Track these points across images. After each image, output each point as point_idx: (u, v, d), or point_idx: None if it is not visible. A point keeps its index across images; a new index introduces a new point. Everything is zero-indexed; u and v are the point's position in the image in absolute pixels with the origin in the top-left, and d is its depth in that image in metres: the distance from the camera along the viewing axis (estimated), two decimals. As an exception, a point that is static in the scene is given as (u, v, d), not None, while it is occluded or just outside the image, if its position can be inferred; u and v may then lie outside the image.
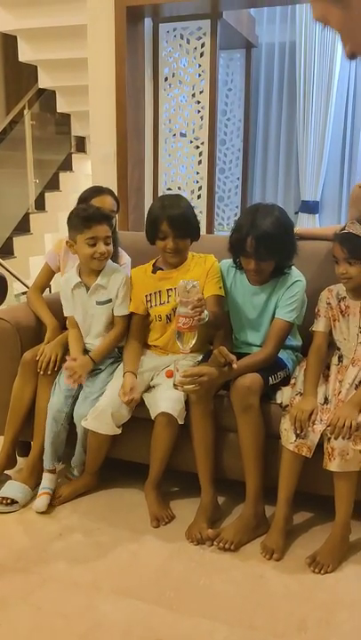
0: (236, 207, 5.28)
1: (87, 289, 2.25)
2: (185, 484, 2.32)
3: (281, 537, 1.96)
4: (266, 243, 2.01)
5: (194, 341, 1.86)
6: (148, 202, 4.15)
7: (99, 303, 2.24)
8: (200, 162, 4.27)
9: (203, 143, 4.24)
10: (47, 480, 2.23)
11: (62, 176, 5.48)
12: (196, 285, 1.85)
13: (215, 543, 1.97)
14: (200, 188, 4.30)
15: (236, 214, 5.27)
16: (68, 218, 2.22)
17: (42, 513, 2.15)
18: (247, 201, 5.26)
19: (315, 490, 2.04)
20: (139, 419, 2.15)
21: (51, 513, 2.17)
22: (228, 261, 2.25)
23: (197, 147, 4.27)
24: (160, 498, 2.18)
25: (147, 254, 2.37)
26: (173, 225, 2.13)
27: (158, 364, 2.23)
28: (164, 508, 2.15)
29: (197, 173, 4.34)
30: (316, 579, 1.83)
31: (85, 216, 2.16)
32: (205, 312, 1.89)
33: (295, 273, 2.17)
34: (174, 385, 1.90)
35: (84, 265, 2.24)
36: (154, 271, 2.26)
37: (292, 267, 2.18)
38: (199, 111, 4.23)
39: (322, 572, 1.86)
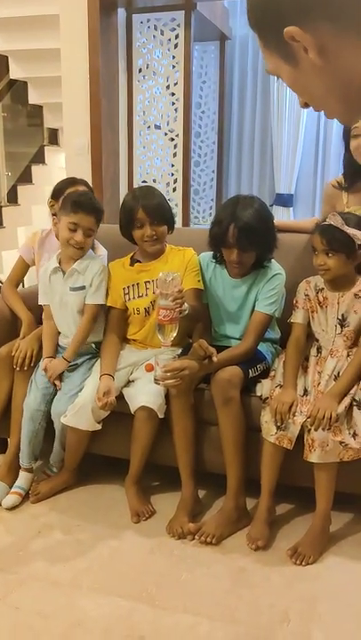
0: (212, 200, 5.27)
1: (64, 274, 2.21)
2: (165, 478, 2.30)
3: (265, 527, 1.97)
4: (248, 233, 2.00)
5: (175, 334, 1.84)
6: (123, 194, 4.11)
7: (72, 289, 2.20)
8: (175, 154, 4.25)
9: (178, 135, 4.21)
10: (23, 479, 2.20)
11: (35, 169, 5.39)
12: (177, 277, 1.82)
13: (197, 537, 1.96)
14: (175, 181, 4.28)
15: (211, 207, 5.26)
16: (64, 197, 2.22)
17: (11, 509, 2.12)
18: (222, 194, 5.25)
19: (295, 482, 2.04)
20: (118, 413, 2.12)
21: (29, 511, 2.14)
22: (208, 254, 2.23)
23: (172, 139, 4.24)
24: (140, 493, 2.16)
25: (122, 247, 2.34)
26: (149, 212, 2.11)
27: (138, 358, 2.20)
28: (144, 503, 2.13)
29: (172, 166, 4.31)
30: (298, 570, 1.83)
31: (76, 201, 2.13)
32: (185, 304, 1.87)
33: (275, 266, 2.16)
34: (155, 380, 1.88)
35: (62, 249, 2.21)
36: (131, 264, 2.24)
37: (272, 260, 2.17)
38: (173, 103, 4.21)
39: (303, 563, 1.86)
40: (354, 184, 2.31)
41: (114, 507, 2.16)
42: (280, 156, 4.99)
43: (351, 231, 1.91)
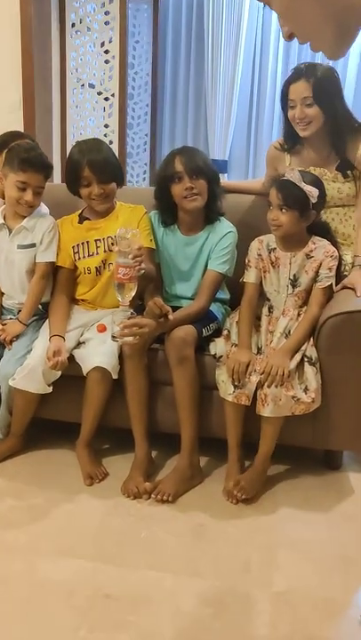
0: (145, 164, 5.17)
1: (10, 232, 2.10)
2: (115, 440, 2.28)
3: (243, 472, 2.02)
4: (195, 158, 2.06)
5: (134, 293, 1.80)
6: (56, 153, 3.97)
7: (20, 247, 2.10)
8: (110, 114, 4.12)
9: (113, 95, 4.09)
10: None
11: None
12: (137, 233, 1.78)
13: (153, 496, 1.96)
14: (110, 142, 4.16)
15: (145, 172, 5.16)
16: (8, 150, 2.07)
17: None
18: (156, 158, 5.17)
19: (250, 437, 2.07)
20: (68, 376, 2.07)
21: (-24, 478, 2.06)
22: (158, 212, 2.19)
23: (107, 98, 4.11)
24: (93, 456, 2.13)
25: (62, 205, 2.27)
26: (96, 169, 2.03)
27: (88, 319, 2.15)
28: (97, 466, 2.11)
29: (107, 126, 4.19)
30: (254, 523, 1.87)
31: (24, 158, 2.00)
32: (143, 263, 1.83)
33: (227, 224, 2.16)
34: (113, 337, 1.84)
35: (9, 206, 2.09)
36: (80, 221, 2.16)
37: (223, 217, 2.16)
38: (108, 61, 4.07)
39: (244, 496, 1.93)
40: (295, 145, 2.32)
41: (65, 471, 2.12)
42: (214, 122, 4.95)
43: (308, 188, 1.93)
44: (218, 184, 2.16)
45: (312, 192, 1.93)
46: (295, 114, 2.16)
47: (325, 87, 2.11)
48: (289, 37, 0.80)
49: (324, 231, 2.12)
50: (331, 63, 4.12)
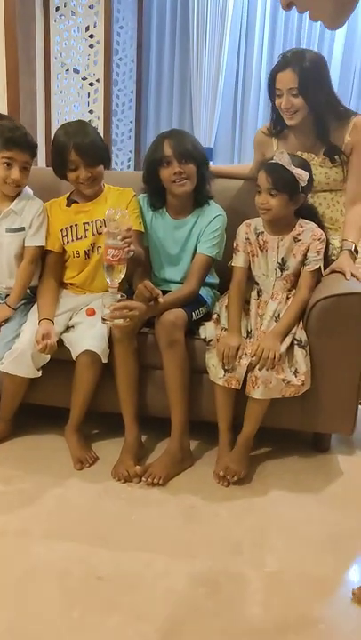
0: (130, 152, 5.14)
1: None
2: (105, 425, 2.28)
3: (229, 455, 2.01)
4: (183, 142, 2.04)
5: (123, 275, 1.78)
6: (41, 139, 3.93)
7: (9, 230, 2.07)
8: (95, 100, 4.09)
9: (98, 80, 4.06)
10: None
11: None
12: (126, 214, 1.76)
13: (143, 479, 1.95)
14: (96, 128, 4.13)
15: (130, 159, 5.13)
16: None
17: None
18: (141, 146, 5.14)
19: (237, 420, 2.07)
20: (57, 361, 2.05)
21: (-36, 464, 2.04)
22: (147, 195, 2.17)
23: (92, 84, 4.07)
24: (82, 440, 2.12)
25: (47, 189, 2.25)
26: (83, 153, 2.01)
27: (77, 303, 2.13)
28: (86, 451, 2.10)
29: (91, 112, 4.15)
30: (245, 505, 1.88)
31: (9, 137, 1.98)
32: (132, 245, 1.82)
33: (216, 207, 2.15)
34: (103, 319, 1.82)
35: None
36: (68, 204, 2.14)
37: (212, 201, 2.15)
38: (93, 46, 4.03)
39: (236, 477, 1.95)
40: (282, 131, 2.32)
41: (54, 456, 2.11)
42: (199, 109, 4.94)
43: (297, 171, 1.92)
44: (207, 167, 2.15)
45: (302, 175, 1.93)
46: (282, 103, 2.15)
47: (312, 77, 2.09)
48: (288, 6, 0.79)
49: (311, 214, 2.12)
50: (317, 45, 4.10)
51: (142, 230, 2.14)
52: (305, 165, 2.00)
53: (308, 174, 1.95)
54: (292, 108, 2.14)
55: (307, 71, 2.08)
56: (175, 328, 1.94)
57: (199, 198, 2.14)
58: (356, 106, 4.65)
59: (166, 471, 1.97)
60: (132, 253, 1.79)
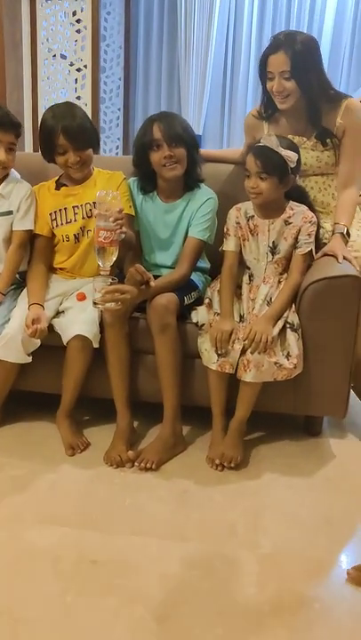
0: (118, 139, 5.10)
1: None
2: (96, 411, 2.26)
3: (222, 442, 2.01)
4: (173, 124, 2.02)
5: (115, 258, 1.76)
6: (28, 126, 3.88)
7: None
8: (83, 86, 4.04)
9: (85, 66, 4.01)
10: None
11: None
12: (117, 195, 1.74)
13: (136, 464, 1.94)
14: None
15: (118, 147, 5.09)
16: None
17: None
18: (129, 133, 5.10)
19: (231, 405, 2.07)
20: (47, 347, 2.03)
21: None
22: (138, 178, 2.15)
23: (79, 69, 4.02)
24: (74, 426, 2.10)
25: (33, 174, 2.21)
26: (71, 136, 1.98)
27: (67, 288, 2.11)
28: (78, 436, 2.08)
29: (79, 99, 4.11)
30: (238, 488, 1.88)
31: None
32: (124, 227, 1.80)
33: (207, 190, 2.13)
34: (94, 303, 1.80)
35: None
36: (57, 188, 2.11)
37: (203, 184, 2.14)
38: (80, 31, 3.98)
39: (233, 463, 1.94)
40: (273, 114, 2.30)
41: (45, 442, 2.09)
42: (188, 96, 4.90)
43: (286, 153, 1.91)
44: (197, 150, 2.13)
45: (290, 156, 1.91)
46: (273, 86, 2.13)
47: (304, 60, 2.07)
48: None
49: (301, 195, 2.11)
50: (307, 27, 4.06)
51: (133, 214, 2.11)
52: (292, 146, 1.99)
53: (296, 155, 1.94)
54: (284, 91, 2.12)
55: (299, 54, 2.06)
56: (167, 312, 1.93)
57: (190, 182, 2.12)
58: (346, 86, 4.64)
59: (159, 456, 1.96)
60: (123, 235, 1.77)
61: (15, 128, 2.01)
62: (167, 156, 2.01)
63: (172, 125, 2.02)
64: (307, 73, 2.09)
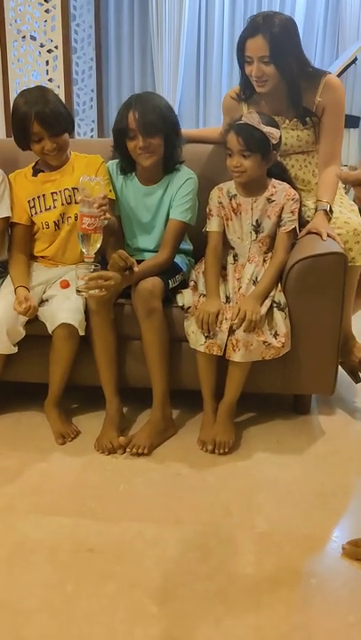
0: (93, 122, 5.02)
1: None
2: (84, 399, 2.25)
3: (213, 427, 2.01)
4: (149, 113, 1.93)
5: (99, 245, 1.74)
6: (0, 110, 3.80)
7: None
8: (55, 67, 3.96)
9: (56, 47, 3.92)
10: None
11: None
12: (100, 181, 1.71)
13: (128, 449, 1.94)
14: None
15: (92, 130, 5.02)
16: None
17: None
18: (104, 115, 5.03)
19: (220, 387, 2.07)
20: (32, 336, 2.01)
21: None
22: (115, 162, 2.12)
23: (50, 50, 3.94)
24: (63, 415, 2.09)
25: (7, 161, 2.17)
26: (46, 123, 1.94)
27: (49, 276, 2.08)
28: (67, 425, 2.07)
29: (51, 81, 4.03)
30: (230, 469, 1.89)
31: None
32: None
33: (186, 170, 2.10)
34: (78, 291, 1.78)
35: None
36: (34, 174, 2.07)
37: (182, 165, 2.11)
38: (49, 10, 3.88)
39: (226, 449, 1.95)
40: (252, 95, 2.27)
41: (35, 432, 2.08)
42: (161, 75, 4.84)
43: (267, 129, 1.89)
44: (177, 134, 2.06)
45: (272, 133, 1.90)
46: (252, 71, 2.08)
47: (283, 43, 2.02)
48: None
49: (281, 171, 2.10)
50: (279, 6, 4.03)
51: (113, 198, 2.08)
52: (273, 123, 1.97)
53: (278, 132, 1.92)
54: (263, 76, 2.07)
55: (278, 37, 2.01)
56: (153, 296, 1.91)
57: (169, 165, 2.08)
58: (321, 60, 4.62)
59: (150, 441, 1.96)
60: (106, 222, 1.74)
61: None
62: (142, 147, 1.97)
63: (147, 114, 1.93)
64: (286, 56, 2.04)
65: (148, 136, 1.95)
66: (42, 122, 1.92)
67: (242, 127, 1.91)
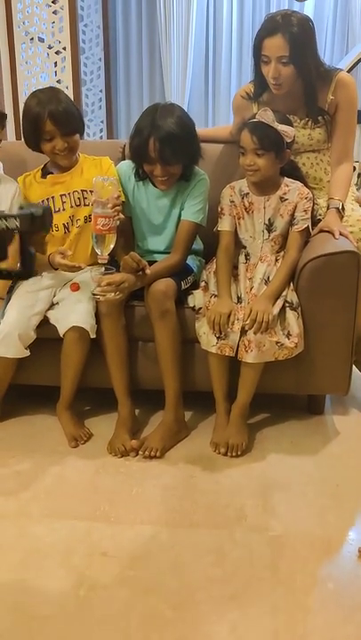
0: (102, 122, 5.02)
1: None
2: (96, 401, 2.25)
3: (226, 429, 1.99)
4: (171, 144, 1.87)
5: (113, 245, 1.73)
6: (9, 114, 3.80)
7: None
8: (63, 69, 3.96)
9: (65, 48, 3.92)
10: None
11: None
12: (114, 182, 1.70)
13: (140, 452, 1.93)
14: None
15: (102, 130, 5.02)
16: None
17: None
18: (112, 116, 5.02)
19: (233, 388, 2.05)
20: (43, 339, 2.01)
21: None
22: (127, 164, 2.10)
23: (58, 52, 3.94)
24: (75, 417, 2.09)
25: (13, 162, 2.16)
26: (58, 122, 1.93)
27: (59, 279, 2.07)
28: (80, 427, 2.07)
29: (60, 82, 4.02)
30: (244, 471, 1.87)
31: None
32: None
33: (198, 171, 2.09)
34: (94, 294, 1.78)
35: None
36: (44, 176, 2.07)
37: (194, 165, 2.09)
38: (57, 12, 3.88)
39: (239, 452, 1.93)
40: (263, 94, 2.25)
41: (48, 435, 2.07)
42: (170, 74, 4.82)
43: (282, 127, 1.87)
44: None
45: (286, 131, 1.88)
46: (269, 71, 2.03)
47: (302, 42, 1.98)
48: None
49: (293, 169, 2.08)
50: (287, 5, 4.01)
51: (123, 199, 2.07)
52: (287, 121, 1.95)
53: (293, 130, 1.90)
54: (279, 77, 2.03)
55: (297, 36, 1.97)
56: (166, 298, 1.90)
57: (185, 175, 2.06)
58: (331, 57, 4.58)
59: (163, 443, 1.95)
60: (118, 222, 1.73)
61: (0, 117, 1.96)
62: (159, 174, 1.96)
63: (168, 146, 1.87)
64: (305, 57, 2.01)
65: (167, 165, 1.93)
66: (55, 120, 1.92)
67: (256, 125, 1.89)
